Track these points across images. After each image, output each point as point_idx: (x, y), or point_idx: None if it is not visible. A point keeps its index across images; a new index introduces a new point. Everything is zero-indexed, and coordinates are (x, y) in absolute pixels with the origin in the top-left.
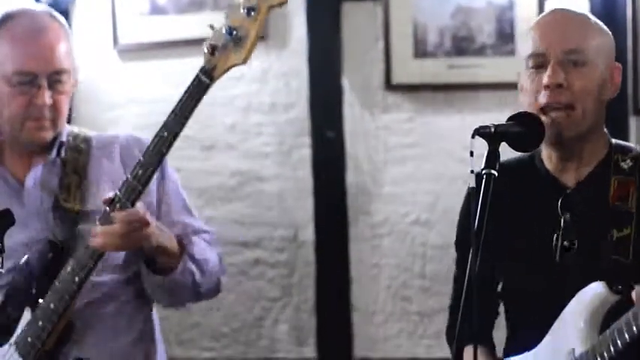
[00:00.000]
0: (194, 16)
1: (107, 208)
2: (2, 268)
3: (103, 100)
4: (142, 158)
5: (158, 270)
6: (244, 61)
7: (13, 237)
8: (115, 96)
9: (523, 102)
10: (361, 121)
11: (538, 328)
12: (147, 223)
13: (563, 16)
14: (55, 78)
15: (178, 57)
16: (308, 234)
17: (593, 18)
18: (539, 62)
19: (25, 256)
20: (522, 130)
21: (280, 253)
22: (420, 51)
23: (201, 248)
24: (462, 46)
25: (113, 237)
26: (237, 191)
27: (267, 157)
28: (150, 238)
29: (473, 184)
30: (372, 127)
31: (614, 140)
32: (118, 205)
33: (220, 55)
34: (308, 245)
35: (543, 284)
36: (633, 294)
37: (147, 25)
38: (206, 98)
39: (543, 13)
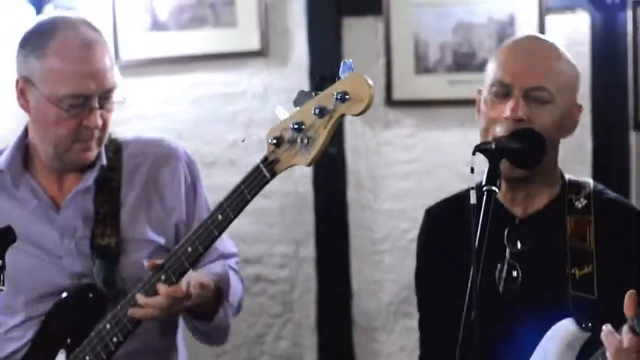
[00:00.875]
0: (195, 33)
1: (152, 276)
2: (4, 285)
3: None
4: (192, 235)
5: (197, 315)
6: (309, 165)
7: (42, 262)
8: (117, 112)
9: (479, 124)
10: (362, 136)
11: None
12: (189, 297)
13: (534, 48)
14: (106, 96)
15: (180, 73)
16: (309, 250)
17: (563, 51)
18: (502, 92)
19: (65, 294)
20: (523, 146)
21: (281, 270)
22: (421, 67)
23: (234, 288)
24: (463, 61)
25: (154, 310)
26: None
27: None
28: (190, 303)
29: (474, 200)
30: (373, 143)
31: (567, 176)
32: (163, 277)
33: (285, 150)
34: (309, 261)
35: (486, 314)
36: (602, 334)
37: (148, 41)
38: (208, 114)
39: (515, 39)
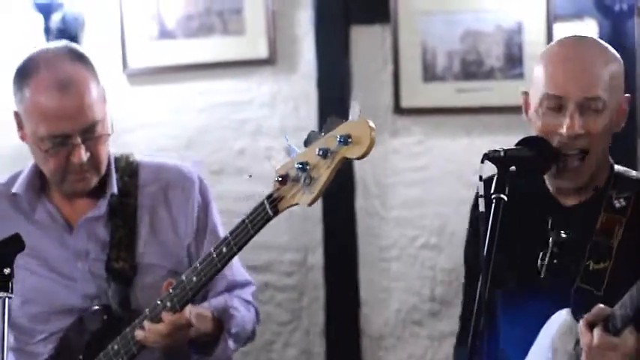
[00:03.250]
0: (203, 41)
1: (158, 304)
2: (12, 292)
3: (111, 124)
4: (198, 266)
5: (197, 348)
6: (309, 205)
7: (56, 285)
8: (124, 120)
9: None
10: None
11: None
12: (191, 325)
13: (582, 54)
14: (89, 130)
15: (187, 81)
16: (317, 258)
17: (607, 49)
18: (555, 104)
19: (81, 315)
20: (532, 154)
21: (289, 277)
22: (429, 75)
23: (242, 319)
24: (471, 69)
25: (157, 336)
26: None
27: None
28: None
29: (482, 208)
30: (380, 151)
31: (616, 167)
32: (169, 304)
33: (289, 188)
34: (317, 269)
35: (529, 301)
36: (578, 329)
37: (156, 50)
38: (216, 122)
39: (559, 42)
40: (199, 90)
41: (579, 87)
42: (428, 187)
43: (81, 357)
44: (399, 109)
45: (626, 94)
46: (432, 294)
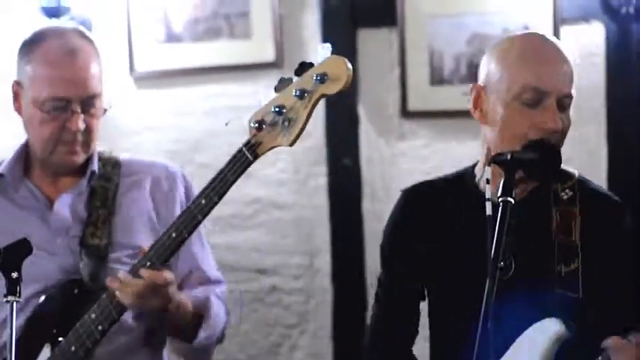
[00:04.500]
0: (210, 44)
1: (138, 261)
2: (20, 297)
3: (118, 127)
4: (176, 221)
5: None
6: (291, 145)
7: (37, 259)
8: (131, 123)
9: (501, 132)
10: (377, 148)
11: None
12: (167, 285)
13: (554, 50)
14: (89, 102)
15: (194, 85)
16: (324, 261)
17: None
18: (534, 98)
19: (49, 290)
20: (538, 157)
21: (297, 280)
22: (436, 78)
23: (217, 314)
24: (478, 73)
25: (132, 289)
26: (253, 219)
27: (284, 185)
28: (169, 301)
29: (489, 211)
30: (388, 154)
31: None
32: (148, 263)
33: (267, 133)
34: (324, 272)
35: (474, 303)
36: (608, 342)
37: (163, 53)
38: (223, 126)
39: (524, 37)
40: (206, 93)
41: (562, 83)
42: None
43: (54, 333)
44: (406, 113)
45: None
46: None
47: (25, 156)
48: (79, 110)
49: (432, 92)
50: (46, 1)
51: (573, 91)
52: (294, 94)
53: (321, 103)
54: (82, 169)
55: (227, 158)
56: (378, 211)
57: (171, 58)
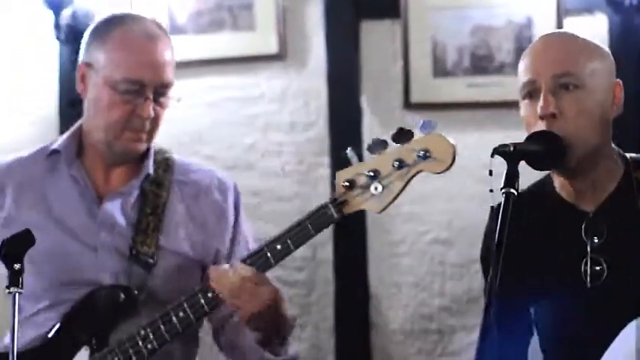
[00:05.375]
0: (213, 36)
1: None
2: (22, 287)
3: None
4: (247, 260)
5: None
6: (379, 212)
7: (75, 251)
8: None
9: (527, 131)
10: None
11: (573, 356)
12: (260, 283)
13: (554, 40)
14: (161, 91)
15: (197, 76)
16: (327, 253)
17: (586, 40)
18: (531, 91)
19: (96, 289)
20: (542, 148)
21: (299, 272)
22: (439, 70)
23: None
24: (481, 64)
25: (229, 281)
26: (256, 210)
27: (287, 176)
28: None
29: (493, 203)
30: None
31: (630, 155)
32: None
33: (357, 194)
34: (327, 264)
35: (577, 311)
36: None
37: None
38: (226, 117)
39: (534, 41)
40: (209, 85)
41: (548, 64)
42: (438, 181)
43: (94, 339)
44: (409, 105)
45: (617, 79)
46: (441, 289)
47: (80, 137)
48: (151, 96)
49: (435, 84)
50: None
51: (574, 69)
52: (392, 163)
53: (324, 95)
54: (136, 165)
55: (230, 150)
56: None
57: (174, 50)
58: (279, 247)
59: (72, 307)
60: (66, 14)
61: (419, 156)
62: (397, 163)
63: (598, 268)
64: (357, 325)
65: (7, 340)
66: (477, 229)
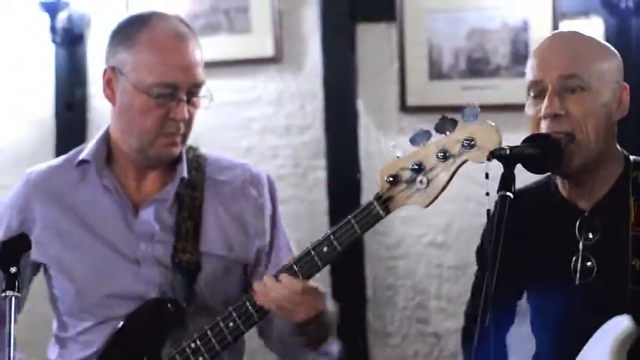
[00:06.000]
0: (209, 39)
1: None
2: (19, 291)
3: None
4: (295, 267)
5: (312, 345)
6: (426, 206)
7: (116, 265)
8: None
9: (531, 130)
10: (376, 142)
11: (559, 351)
12: (306, 293)
13: (561, 40)
14: (194, 91)
15: None
16: None
17: (595, 40)
18: (537, 91)
19: (144, 303)
20: (538, 151)
21: None
22: (435, 73)
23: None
24: (477, 67)
25: (273, 295)
26: None
27: (283, 179)
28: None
29: (489, 206)
30: (386, 149)
31: (633, 157)
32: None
33: (402, 190)
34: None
35: (564, 306)
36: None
37: None
38: (222, 121)
39: (543, 40)
40: (205, 89)
41: (555, 66)
42: None
43: (145, 355)
44: (404, 107)
45: (624, 83)
46: (438, 291)
47: (108, 144)
48: (184, 98)
49: (431, 87)
50: None
51: (580, 71)
52: (436, 154)
53: (320, 98)
54: (169, 168)
55: (227, 153)
56: None
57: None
58: (325, 249)
59: (121, 324)
60: (62, 17)
61: (463, 145)
62: (442, 154)
63: (588, 264)
64: (354, 328)
65: (51, 354)
66: (473, 231)
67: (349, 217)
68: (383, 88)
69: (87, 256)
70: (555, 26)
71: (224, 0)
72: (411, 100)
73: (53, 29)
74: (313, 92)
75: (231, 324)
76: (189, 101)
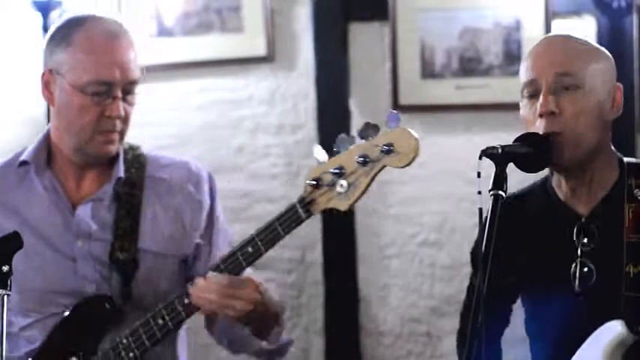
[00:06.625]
0: (201, 38)
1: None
2: (10, 290)
3: None
4: (221, 266)
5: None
6: (345, 210)
7: (54, 262)
8: None
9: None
10: None
11: (557, 356)
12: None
13: (555, 41)
14: (129, 89)
15: (186, 79)
16: (316, 255)
17: (588, 42)
18: (532, 90)
19: (80, 301)
20: (530, 150)
21: (289, 275)
22: (428, 72)
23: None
24: (470, 66)
25: (215, 287)
26: (245, 212)
27: (275, 179)
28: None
29: (481, 205)
30: None
31: (627, 159)
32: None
33: (324, 193)
34: (316, 266)
35: (564, 312)
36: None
37: (154, 47)
38: (215, 120)
39: (537, 42)
40: (198, 87)
41: (550, 64)
42: (427, 184)
43: (81, 351)
44: (397, 106)
45: (618, 83)
46: (431, 291)
47: (48, 145)
48: (120, 95)
49: (424, 86)
50: None
51: (575, 69)
52: (356, 159)
53: (313, 97)
54: (107, 167)
55: (218, 153)
56: (369, 204)
57: (162, 52)
58: (250, 249)
59: (59, 320)
60: (54, 16)
61: (382, 151)
62: (361, 159)
63: (587, 270)
64: (346, 328)
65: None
66: (466, 231)
67: (273, 219)
68: (375, 87)
69: (28, 255)
70: (548, 25)
71: None
72: (404, 99)
73: (46, 28)
74: (306, 91)
75: (160, 321)
76: (124, 99)
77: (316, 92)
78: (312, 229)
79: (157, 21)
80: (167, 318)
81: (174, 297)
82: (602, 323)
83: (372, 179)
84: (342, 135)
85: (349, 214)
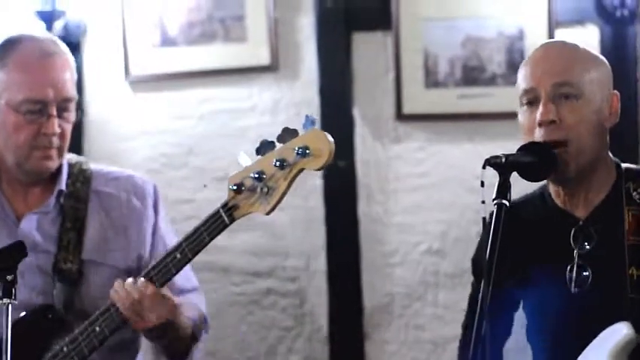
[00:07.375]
0: (205, 48)
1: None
2: (16, 299)
3: (114, 132)
4: (150, 270)
5: (172, 355)
6: (267, 214)
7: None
8: (127, 127)
9: (524, 138)
10: (373, 150)
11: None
12: (154, 298)
13: (554, 49)
14: (64, 106)
15: (189, 88)
16: (320, 263)
17: (586, 49)
18: (531, 98)
19: (23, 313)
20: (533, 159)
21: (292, 283)
22: (431, 81)
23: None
24: (473, 75)
25: (126, 294)
26: (249, 221)
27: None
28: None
29: (484, 214)
30: (383, 157)
31: (624, 165)
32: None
33: (245, 198)
34: (320, 274)
35: (561, 315)
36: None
37: (158, 57)
38: (218, 129)
39: (534, 49)
40: (201, 97)
41: (549, 73)
42: (430, 192)
43: (26, 356)
44: (400, 116)
45: (615, 91)
46: (435, 299)
47: None
48: (54, 113)
49: (427, 95)
50: (41, 5)
51: (574, 79)
52: (274, 163)
53: (316, 107)
54: (52, 182)
55: (221, 163)
56: (373, 213)
57: (166, 62)
58: (178, 256)
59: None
60: (58, 26)
61: (298, 154)
62: (279, 162)
63: (584, 273)
64: (350, 336)
65: None
66: (469, 239)
67: (199, 225)
68: (379, 96)
69: None
70: (551, 34)
71: (220, 9)
72: (407, 109)
73: None
74: (309, 101)
75: (97, 328)
76: (60, 116)
77: (320, 101)
78: (316, 237)
79: (161, 30)
80: (103, 324)
81: (110, 304)
82: (598, 326)
83: (291, 183)
84: (264, 140)
85: (353, 223)
